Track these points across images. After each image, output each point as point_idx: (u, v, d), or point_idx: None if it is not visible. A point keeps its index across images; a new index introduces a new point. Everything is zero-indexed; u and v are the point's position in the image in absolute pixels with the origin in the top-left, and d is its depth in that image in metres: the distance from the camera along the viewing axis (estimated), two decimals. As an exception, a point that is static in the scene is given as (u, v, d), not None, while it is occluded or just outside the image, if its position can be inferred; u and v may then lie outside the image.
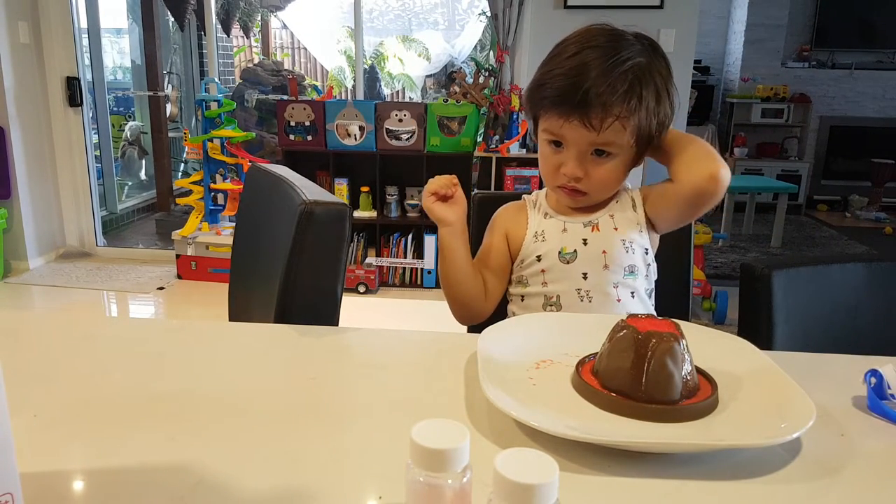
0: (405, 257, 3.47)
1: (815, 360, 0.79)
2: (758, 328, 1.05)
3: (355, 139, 3.39)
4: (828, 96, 5.69)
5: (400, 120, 3.36)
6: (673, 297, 1.13)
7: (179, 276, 3.52)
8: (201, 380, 0.69)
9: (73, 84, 3.66)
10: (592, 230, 0.96)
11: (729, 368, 0.68)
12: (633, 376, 0.61)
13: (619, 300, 0.95)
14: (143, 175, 5.33)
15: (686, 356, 0.63)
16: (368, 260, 3.45)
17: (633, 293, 0.96)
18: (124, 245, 4.21)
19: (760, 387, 0.65)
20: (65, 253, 3.86)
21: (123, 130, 5.17)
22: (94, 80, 4.46)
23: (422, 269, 3.46)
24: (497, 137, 3.40)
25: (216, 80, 3.59)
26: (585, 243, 0.96)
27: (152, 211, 5.03)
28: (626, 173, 0.95)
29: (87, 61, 4.13)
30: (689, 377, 0.62)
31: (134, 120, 5.30)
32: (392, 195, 3.48)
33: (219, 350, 0.78)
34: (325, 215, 0.84)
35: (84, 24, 4.17)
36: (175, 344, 0.80)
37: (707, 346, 0.71)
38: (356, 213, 3.50)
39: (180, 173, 5.28)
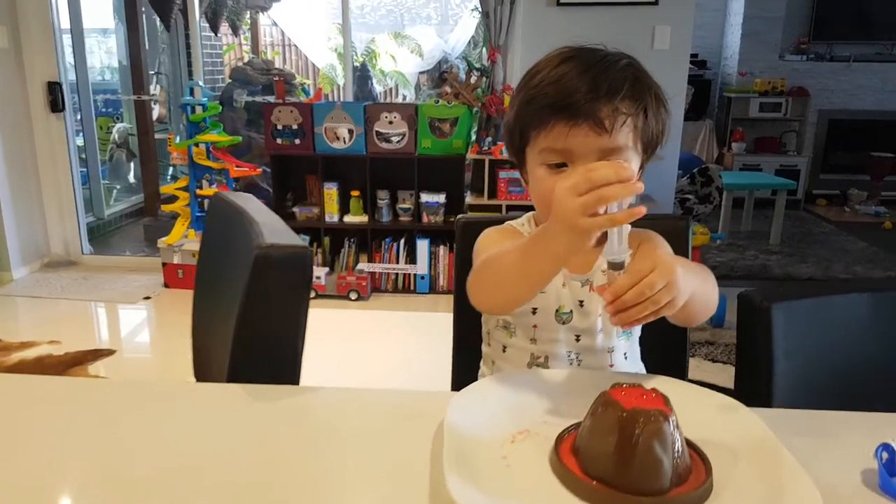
0: (397, 263, 3.40)
1: (819, 420, 0.72)
2: (756, 363, 0.99)
3: (344, 142, 3.31)
4: (826, 89, 5.61)
5: (390, 122, 3.28)
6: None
7: (166, 285, 3.44)
8: (152, 449, 0.62)
9: (54, 89, 3.58)
10: (589, 290, 0.86)
11: (723, 439, 0.62)
12: (618, 462, 0.54)
13: (611, 365, 0.88)
14: (131, 178, 5.23)
15: (676, 435, 0.56)
16: (360, 266, 3.37)
17: (626, 354, 0.90)
18: (111, 252, 4.12)
19: (759, 466, 0.58)
20: (49, 262, 3.78)
21: (111, 133, 5.07)
22: (79, 82, 4.37)
23: (414, 275, 3.39)
24: (490, 139, 3.32)
25: (200, 82, 3.51)
26: (581, 305, 0.86)
27: (140, 215, 4.93)
28: None
29: (70, 63, 4.03)
30: (679, 459, 0.55)
31: (122, 121, 5.21)
32: (383, 199, 3.40)
33: (168, 414, 0.71)
34: (282, 260, 0.77)
35: (67, 25, 4.07)
36: (127, 407, 0.73)
37: (698, 412, 0.64)
38: (347, 219, 3.43)
39: (169, 176, 5.19)
